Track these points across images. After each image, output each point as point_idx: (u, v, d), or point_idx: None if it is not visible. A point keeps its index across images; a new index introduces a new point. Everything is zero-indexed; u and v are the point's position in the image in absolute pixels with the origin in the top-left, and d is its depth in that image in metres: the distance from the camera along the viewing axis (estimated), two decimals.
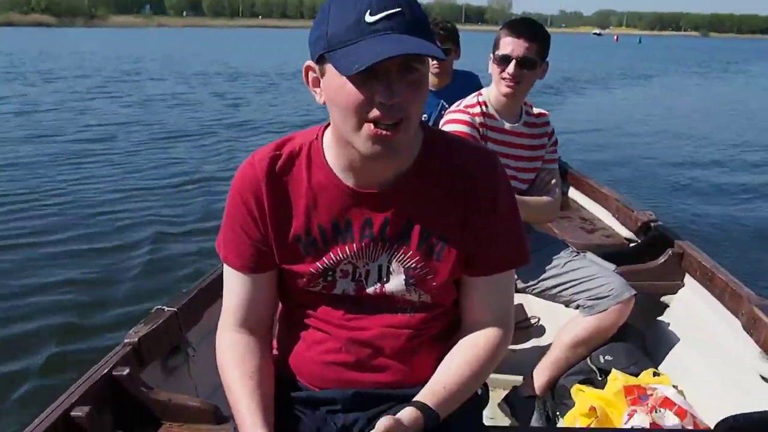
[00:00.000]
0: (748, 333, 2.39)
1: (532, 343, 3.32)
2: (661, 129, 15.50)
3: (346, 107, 1.29)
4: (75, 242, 6.46)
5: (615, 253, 3.29)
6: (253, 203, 1.46)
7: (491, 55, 2.66)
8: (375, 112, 1.28)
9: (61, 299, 5.17)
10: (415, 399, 1.42)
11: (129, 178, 9.22)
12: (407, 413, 1.37)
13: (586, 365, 2.60)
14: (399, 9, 1.26)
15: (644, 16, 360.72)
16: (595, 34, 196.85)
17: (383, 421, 1.31)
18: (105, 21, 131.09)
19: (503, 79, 2.61)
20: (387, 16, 1.26)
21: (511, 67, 2.57)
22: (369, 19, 1.26)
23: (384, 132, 1.29)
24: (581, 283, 2.62)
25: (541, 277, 2.71)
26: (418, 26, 1.27)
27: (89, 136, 12.34)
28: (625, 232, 3.72)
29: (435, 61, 3.75)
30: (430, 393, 1.43)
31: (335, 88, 1.31)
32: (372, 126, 1.29)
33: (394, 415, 1.36)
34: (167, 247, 6.41)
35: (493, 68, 2.65)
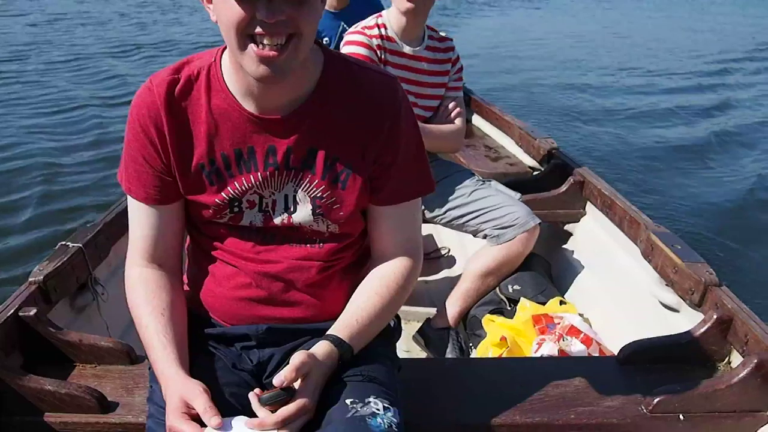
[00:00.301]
0: (646, 260, 2.48)
1: (444, 274, 3.38)
2: (553, 53, 15.77)
3: (229, 24, 1.26)
4: None
5: (519, 182, 3.34)
6: (154, 131, 1.41)
7: None
8: (258, 30, 1.24)
9: None
10: (328, 333, 1.43)
11: (15, 107, 8.70)
12: (321, 347, 1.39)
13: (495, 295, 2.67)
14: None
15: None
16: None
17: (297, 356, 1.32)
18: None
19: None
20: None
21: None
22: None
23: (269, 52, 1.25)
24: (488, 212, 2.66)
25: (448, 207, 2.74)
26: None
27: None
28: (528, 160, 3.78)
29: None
30: (343, 326, 1.44)
31: (220, 4, 1.27)
32: (255, 45, 1.26)
33: (309, 349, 1.37)
34: (66, 179, 6.13)
35: None
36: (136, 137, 1.43)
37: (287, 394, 1.30)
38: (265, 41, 1.25)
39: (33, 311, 1.92)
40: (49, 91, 9.59)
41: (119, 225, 2.45)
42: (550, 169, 3.45)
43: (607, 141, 8.27)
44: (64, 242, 2.29)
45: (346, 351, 1.41)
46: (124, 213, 2.32)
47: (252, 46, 1.26)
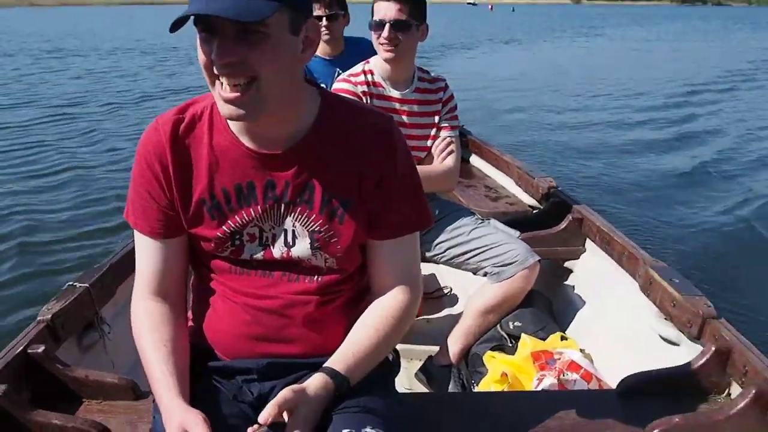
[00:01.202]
0: (645, 294, 2.50)
1: (445, 312, 3.39)
2: (539, 92, 16.14)
3: (200, 65, 1.32)
4: None
5: (519, 220, 3.36)
6: (158, 167, 1.47)
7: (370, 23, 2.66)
8: (215, 71, 1.30)
9: None
10: (325, 365, 1.45)
11: (31, 153, 8.97)
12: (315, 380, 1.41)
13: (497, 332, 2.67)
14: None
15: None
16: (469, 3, 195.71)
17: (282, 393, 1.34)
18: None
19: (381, 44, 2.61)
20: None
21: (385, 31, 2.57)
22: None
23: (228, 94, 1.31)
24: (487, 250, 2.67)
25: (448, 245, 2.75)
26: None
27: None
28: (527, 199, 3.81)
29: (323, 28, 3.70)
30: (339, 359, 1.46)
31: (198, 47, 1.33)
32: (220, 85, 1.31)
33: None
34: (75, 223, 6.27)
35: (372, 35, 2.65)
36: (142, 173, 1.49)
37: (273, 431, 1.31)
38: (224, 81, 1.30)
39: (41, 348, 1.96)
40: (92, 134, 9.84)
41: (125, 266, 2.50)
42: (549, 207, 3.48)
43: (603, 175, 8.37)
44: (71, 282, 2.35)
45: (342, 383, 1.43)
46: (129, 254, 2.37)
47: (218, 84, 1.32)
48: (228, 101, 1.32)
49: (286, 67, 1.34)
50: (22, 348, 1.95)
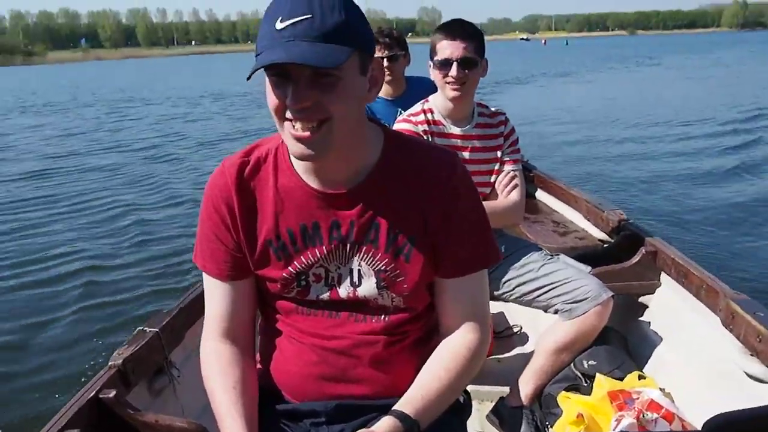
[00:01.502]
0: (727, 329, 2.39)
1: (516, 351, 3.31)
2: (597, 123, 16.08)
3: (270, 109, 1.34)
4: (52, 274, 6.48)
5: (589, 255, 3.29)
6: (225, 210, 1.49)
7: (430, 62, 2.66)
8: (288, 114, 1.31)
9: (45, 321, 5.31)
10: (393, 408, 1.41)
11: (101, 198, 9.41)
12: (385, 424, 1.37)
13: (570, 371, 2.59)
14: (309, 16, 1.26)
15: (572, 18, 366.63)
16: (522, 39, 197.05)
17: None
18: (43, 58, 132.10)
19: (447, 83, 2.61)
20: (293, 23, 1.26)
21: (453, 70, 2.57)
22: (278, 26, 1.28)
23: (301, 134, 1.31)
24: (558, 286, 2.61)
25: (517, 283, 2.71)
26: (327, 33, 1.27)
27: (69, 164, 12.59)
28: (597, 233, 3.73)
29: (384, 69, 3.74)
30: (409, 401, 1.43)
31: (267, 90, 1.34)
32: (291, 126, 1.32)
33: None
34: (145, 268, 6.46)
35: (435, 74, 2.65)
36: (210, 216, 1.52)
37: None
38: (296, 125, 1.31)
39: (113, 393, 1.99)
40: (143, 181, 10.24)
41: (193, 310, 2.53)
42: (621, 241, 3.38)
43: (671, 205, 8.17)
44: (141, 327, 2.39)
45: (412, 427, 1.39)
46: (197, 298, 2.40)
47: (288, 125, 1.33)
48: (300, 140, 1.32)
49: (355, 107, 1.36)
50: (93, 393, 1.98)
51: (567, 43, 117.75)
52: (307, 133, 1.31)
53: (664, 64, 43.16)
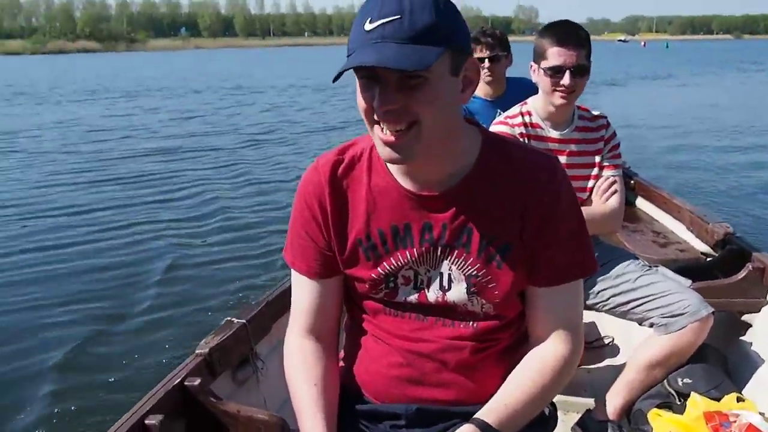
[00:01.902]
0: None
1: (606, 363, 3.23)
2: (700, 130, 15.51)
3: (360, 110, 1.32)
4: (143, 257, 6.70)
5: (690, 268, 3.16)
6: (317, 208, 1.49)
7: (533, 64, 2.60)
8: (376, 117, 1.29)
9: (134, 311, 5.43)
10: (475, 416, 1.39)
11: (194, 188, 9.63)
12: (465, 430, 1.35)
13: (663, 388, 2.50)
14: (398, 17, 1.23)
15: (674, 20, 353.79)
16: (620, 40, 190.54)
17: None
18: (144, 45, 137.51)
19: (556, 90, 2.55)
20: (382, 24, 1.24)
21: (566, 78, 2.51)
22: (367, 27, 1.26)
23: (389, 137, 1.29)
24: (655, 299, 2.52)
25: (612, 293, 2.63)
26: (416, 34, 1.23)
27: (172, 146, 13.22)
28: (700, 246, 3.60)
29: (486, 69, 3.75)
30: (491, 410, 1.40)
31: (356, 94, 1.33)
32: (380, 129, 1.30)
33: None
34: (236, 257, 6.60)
35: (542, 79, 2.58)
36: (302, 214, 1.52)
37: None
38: (384, 126, 1.29)
39: (197, 381, 2.04)
40: (231, 173, 10.44)
41: (281, 303, 2.56)
42: (726, 255, 3.25)
43: None
44: (229, 318, 2.43)
45: None
46: (285, 292, 2.43)
47: (377, 128, 1.31)
48: (387, 144, 1.31)
49: (445, 109, 1.32)
50: (179, 380, 2.03)
51: (668, 46, 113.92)
52: (393, 138, 1.29)
53: None
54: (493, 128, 2.64)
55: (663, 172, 10.04)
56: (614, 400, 2.55)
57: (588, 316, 3.28)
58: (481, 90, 3.86)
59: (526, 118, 2.64)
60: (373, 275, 1.47)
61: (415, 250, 1.45)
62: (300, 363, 1.52)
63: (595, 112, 2.74)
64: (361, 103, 1.32)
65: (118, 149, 13.37)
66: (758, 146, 13.24)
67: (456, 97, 1.34)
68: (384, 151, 1.33)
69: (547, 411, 1.57)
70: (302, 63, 59.44)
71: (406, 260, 1.46)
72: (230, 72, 44.92)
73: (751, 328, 2.94)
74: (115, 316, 5.30)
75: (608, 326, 3.44)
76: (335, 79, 1.30)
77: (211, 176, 10.40)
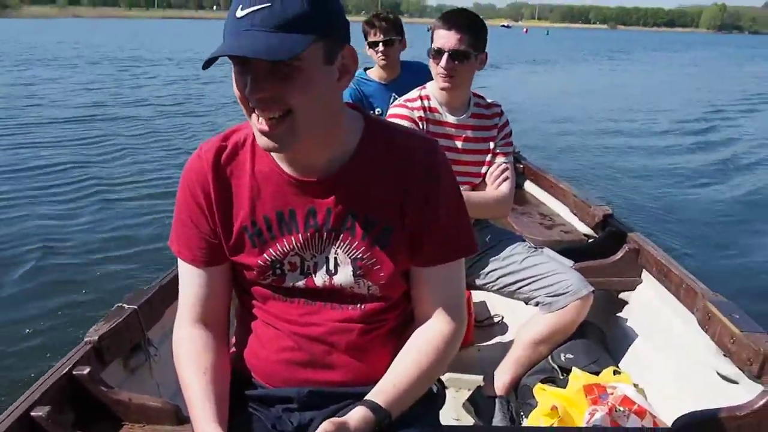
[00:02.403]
0: (703, 329, 2.42)
1: (496, 341, 3.34)
2: (578, 115, 16.17)
3: (236, 98, 1.32)
4: (33, 238, 6.37)
5: (573, 249, 3.30)
6: (201, 195, 1.47)
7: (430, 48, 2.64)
8: (251, 104, 1.29)
9: (18, 295, 5.18)
10: (365, 398, 1.42)
11: (69, 169, 9.17)
12: (357, 413, 1.38)
13: (547, 364, 2.62)
14: (267, 5, 1.23)
15: (555, 8, 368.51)
16: (503, 26, 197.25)
17: (323, 425, 1.31)
18: (18, 12, 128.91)
19: (438, 73, 2.60)
20: (253, 11, 1.23)
21: (443, 61, 2.56)
22: (238, 14, 1.25)
23: (263, 126, 1.30)
24: (539, 279, 2.63)
25: (500, 274, 2.72)
26: (286, 23, 1.23)
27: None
28: (583, 228, 3.75)
29: (380, 53, 3.78)
30: (381, 391, 1.43)
31: (233, 80, 1.32)
32: (255, 117, 1.30)
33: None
34: (122, 243, 6.35)
35: (430, 62, 2.64)
36: (185, 201, 1.50)
37: None
38: (259, 115, 1.30)
39: (87, 370, 1.97)
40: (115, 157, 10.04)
41: (174, 288, 2.48)
42: (605, 237, 3.42)
43: (662, 201, 8.20)
44: (120, 303, 2.36)
45: (384, 417, 1.39)
46: (177, 277, 2.39)
47: (254, 118, 1.31)
48: (263, 133, 1.31)
49: (320, 97, 1.32)
50: (67, 369, 1.96)
51: (548, 33, 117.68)
52: (266, 127, 1.29)
53: (643, 60, 44.23)
54: (392, 111, 2.68)
55: (543, 154, 10.36)
56: (502, 376, 2.65)
57: (478, 296, 3.41)
58: (376, 73, 3.89)
59: (425, 102, 2.67)
60: (259, 262, 1.47)
61: (300, 235, 1.45)
62: (189, 352, 1.51)
63: (490, 100, 2.80)
64: (235, 90, 1.30)
65: None
66: (631, 131, 13.96)
67: (332, 86, 1.34)
68: (261, 140, 1.32)
69: (435, 388, 1.61)
70: (192, 37, 57.72)
71: (291, 246, 1.46)
72: (122, 42, 43.19)
73: (627, 305, 3.12)
74: None
75: (498, 305, 3.56)
76: (205, 67, 1.26)
77: (94, 157, 9.96)
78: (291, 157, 1.42)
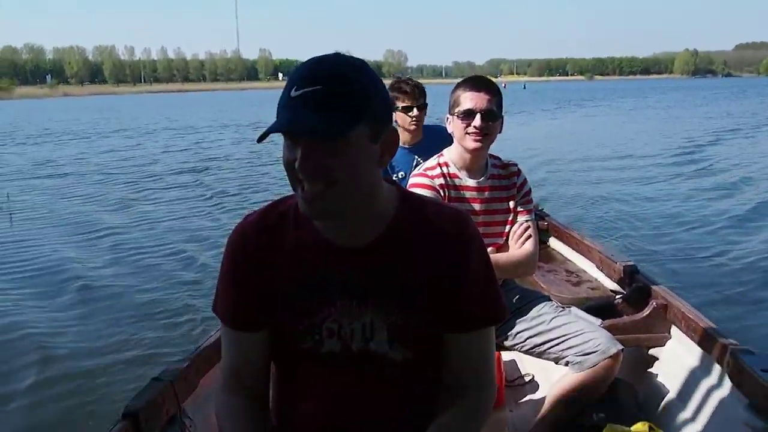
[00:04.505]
0: (733, 383, 2.44)
1: (527, 401, 3.34)
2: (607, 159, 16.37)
3: (285, 169, 1.40)
4: (69, 310, 6.47)
5: (601, 306, 3.34)
6: (243, 262, 1.53)
7: (449, 116, 2.72)
8: (298, 175, 1.37)
9: (56, 371, 5.18)
10: None
11: (110, 241, 9.32)
12: None
13: (581, 423, 2.62)
14: (318, 87, 1.33)
15: (533, 62, 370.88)
16: None
17: None
18: (10, 94, 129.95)
19: (469, 133, 2.66)
20: (305, 92, 1.34)
21: (477, 120, 2.62)
22: (293, 93, 1.35)
23: (307, 195, 1.38)
24: (568, 339, 2.65)
25: (528, 335, 2.74)
26: (335, 104, 1.33)
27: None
28: (609, 284, 3.77)
29: (413, 118, 3.86)
30: None
31: (282, 152, 1.41)
32: (301, 187, 1.39)
33: None
34: (162, 311, 6.36)
35: (456, 125, 2.70)
36: (228, 267, 1.57)
37: None
38: (305, 186, 1.38)
39: None
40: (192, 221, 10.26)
41: (207, 359, 2.53)
42: (632, 293, 3.43)
43: (686, 253, 8.04)
44: (155, 377, 2.39)
45: None
46: (211, 347, 2.41)
47: (299, 188, 1.40)
48: (309, 203, 1.39)
49: (363, 172, 1.41)
50: None
51: (525, 87, 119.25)
52: (312, 196, 1.38)
53: (621, 108, 45.34)
54: (414, 180, 2.75)
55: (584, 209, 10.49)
56: None
57: (508, 356, 3.41)
58: (401, 137, 3.93)
59: (444, 169, 2.73)
60: (297, 328, 1.52)
61: (338, 302, 1.51)
62: (229, 420, 1.55)
63: (506, 160, 2.88)
64: (284, 161, 1.40)
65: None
66: (619, 178, 14.12)
67: (374, 162, 1.44)
68: (305, 208, 1.41)
69: None
70: (205, 108, 58.16)
71: (329, 313, 1.51)
72: (121, 117, 43.61)
73: (657, 361, 3.11)
74: (36, 377, 5.05)
75: (528, 365, 3.56)
76: (260, 140, 1.40)
77: (126, 225, 10.12)
78: (332, 226, 1.49)
